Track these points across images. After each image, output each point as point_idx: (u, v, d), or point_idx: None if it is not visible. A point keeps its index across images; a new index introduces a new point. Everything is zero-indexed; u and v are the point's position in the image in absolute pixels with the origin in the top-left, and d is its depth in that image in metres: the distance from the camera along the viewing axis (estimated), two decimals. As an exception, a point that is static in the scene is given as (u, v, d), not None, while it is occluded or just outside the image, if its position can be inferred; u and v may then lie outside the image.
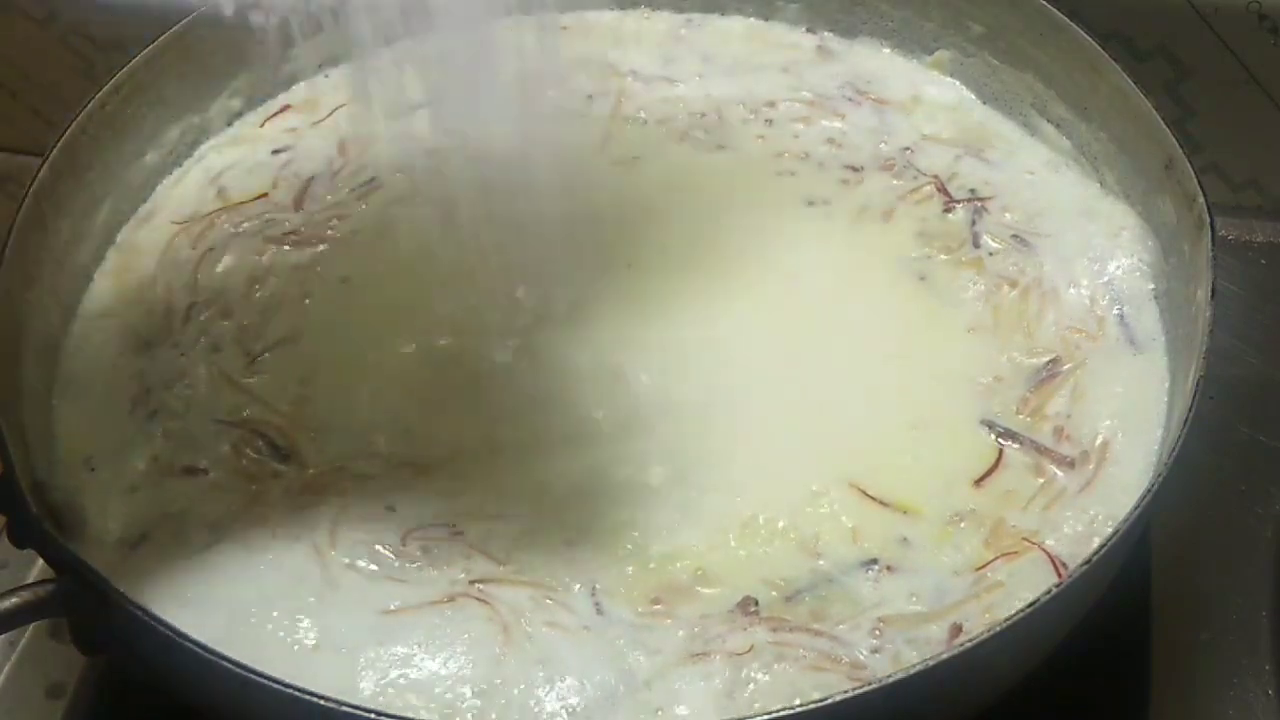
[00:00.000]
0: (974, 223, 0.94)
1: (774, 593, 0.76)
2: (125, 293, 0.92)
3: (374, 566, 0.78)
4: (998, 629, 0.66)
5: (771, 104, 1.01)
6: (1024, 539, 0.78)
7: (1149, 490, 0.72)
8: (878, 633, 0.74)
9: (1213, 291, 0.79)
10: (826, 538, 0.79)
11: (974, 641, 0.66)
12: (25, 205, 0.85)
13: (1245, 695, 0.86)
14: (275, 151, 1.00)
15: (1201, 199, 0.83)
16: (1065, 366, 0.86)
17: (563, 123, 1.00)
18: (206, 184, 0.98)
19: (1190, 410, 0.74)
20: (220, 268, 0.93)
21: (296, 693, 0.66)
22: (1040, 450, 0.82)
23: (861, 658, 0.73)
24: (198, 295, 0.91)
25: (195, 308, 0.91)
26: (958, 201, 0.95)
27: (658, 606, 0.76)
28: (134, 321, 0.90)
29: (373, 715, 0.65)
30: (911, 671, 0.65)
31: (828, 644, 0.74)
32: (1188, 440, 0.73)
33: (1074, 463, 0.82)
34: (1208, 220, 0.82)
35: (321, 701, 0.65)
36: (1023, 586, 0.76)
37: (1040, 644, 0.74)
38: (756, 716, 0.64)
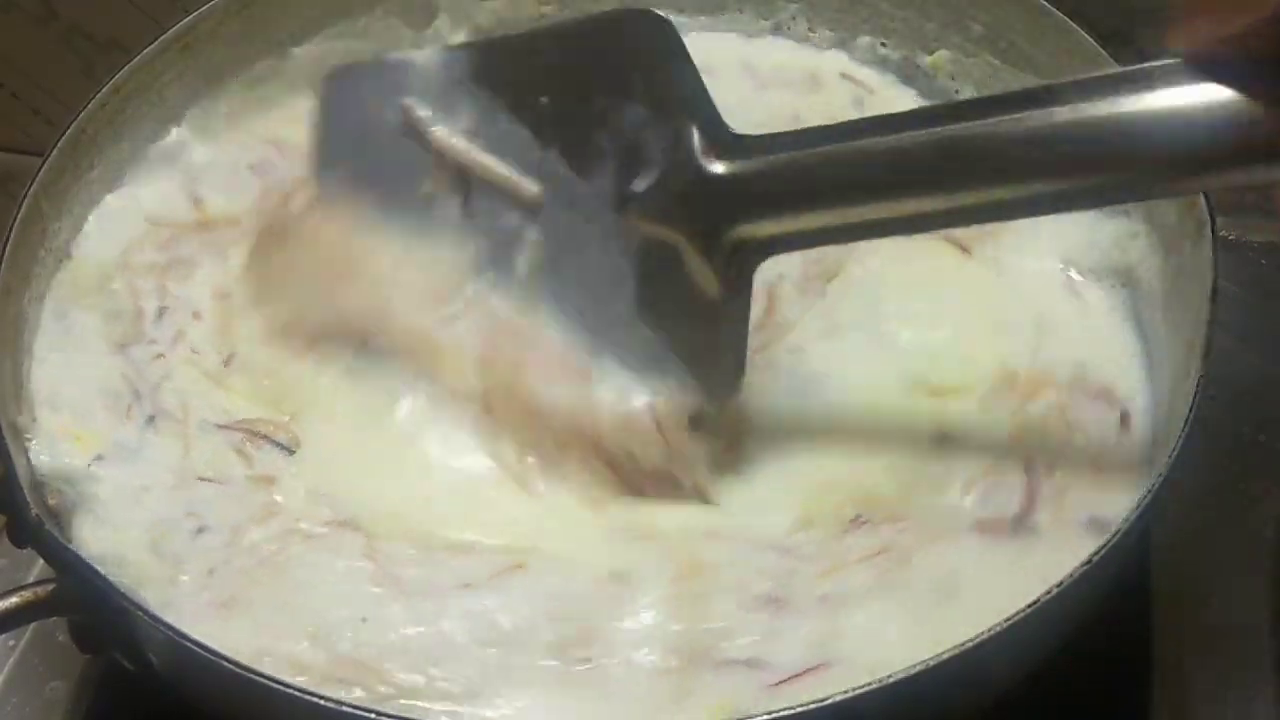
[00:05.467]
0: (968, 220, 0.94)
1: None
2: (87, 291, 0.91)
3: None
4: (998, 629, 0.66)
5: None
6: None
7: (1149, 490, 0.72)
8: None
9: (1213, 291, 0.79)
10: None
11: (974, 642, 0.66)
12: (25, 205, 0.85)
13: (1245, 695, 0.86)
14: (275, 147, 0.99)
15: (1202, 199, 0.83)
16: (1049, 360, 0.86)
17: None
18: (187, 186, 0.97)
19: (1190, 410, 0.74)
20: (192, 274, 0.92)
21: (296, 692, 0.66)
22: None
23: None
24: (166, 300, 0.90)
25: (166, 311, 0.90)
26: (956, 201, 0.95)
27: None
28: (104, 324, 0.89)
29: (373, 715, 0.65)
30: (912, 671, 0.65)
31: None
32: (1188, 440, 0.73)
33: None
34: (1208, 220, 0.82)
35: (321, 701, 0.65)
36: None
37: (1040, 644, 0.74)
38: (756, 716, 0.64)
